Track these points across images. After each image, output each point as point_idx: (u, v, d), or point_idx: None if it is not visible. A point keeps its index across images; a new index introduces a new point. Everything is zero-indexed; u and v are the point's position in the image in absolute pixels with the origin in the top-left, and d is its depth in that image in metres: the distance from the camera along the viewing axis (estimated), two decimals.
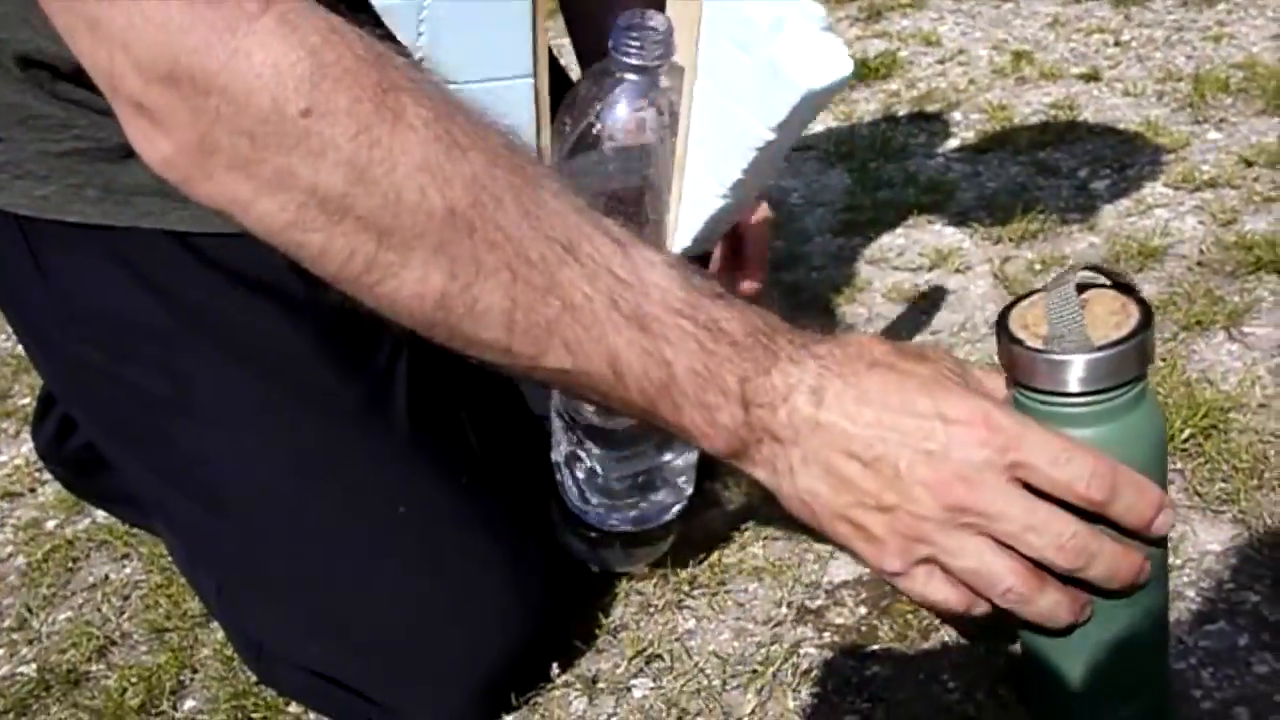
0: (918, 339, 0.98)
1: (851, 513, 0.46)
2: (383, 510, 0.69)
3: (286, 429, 0.68)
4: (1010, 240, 1.10)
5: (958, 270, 1.07)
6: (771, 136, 0.58)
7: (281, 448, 0.68)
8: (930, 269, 1.07)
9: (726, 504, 0.84)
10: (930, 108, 1.44)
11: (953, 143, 1.33)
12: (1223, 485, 0.76)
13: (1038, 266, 1.05)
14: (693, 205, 0.64)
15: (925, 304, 1.03)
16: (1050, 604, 0.45)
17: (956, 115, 1.40)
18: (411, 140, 0.44)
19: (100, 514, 0.99)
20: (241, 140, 0.44)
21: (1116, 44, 1.50)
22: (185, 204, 0.65)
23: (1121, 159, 1.21)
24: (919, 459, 0.44)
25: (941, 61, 1.56)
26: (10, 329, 0.74)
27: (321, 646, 0.71)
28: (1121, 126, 1.27)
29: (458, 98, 0.47)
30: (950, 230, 1.13)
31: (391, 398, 0.69)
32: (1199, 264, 1.01)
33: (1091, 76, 1.42)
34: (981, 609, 0.46)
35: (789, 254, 1.17)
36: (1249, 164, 1.15)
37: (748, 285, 0.71)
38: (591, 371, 0.47)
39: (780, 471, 0.47)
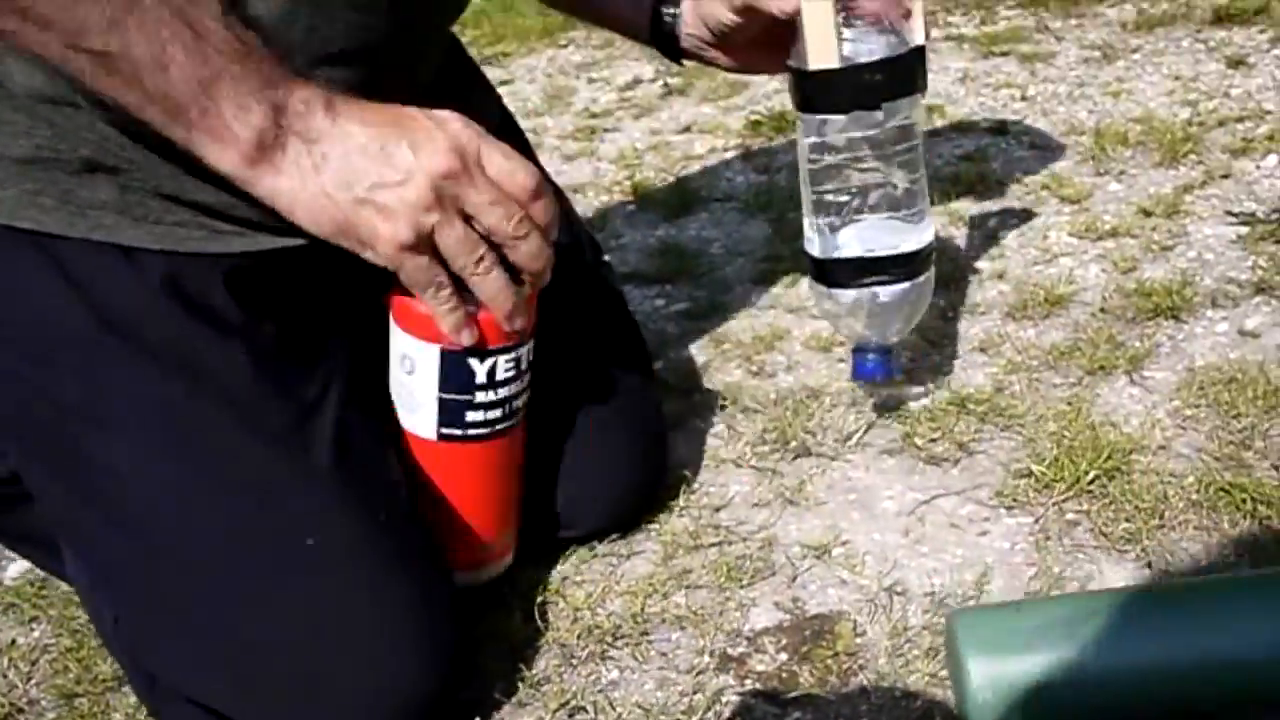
0: (836, 386, 1.00)
1: (372, 194, 0.59)
2: (291, 539, 0.67)
3: (202, 446, 0.67)
4: None
5: None
6: None
7: (193, 464, 0.67)
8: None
9: (650, 553, 0.85)
10: None
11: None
12: (1126, 525, 0.79)
13: (949, 314, 1.08)
14: None
15: (841, 352, 1.05)
16: (499, 282, 0.63)
17: None
18: None
19: (8, 577, 0.97)
20: None
21: (1023, 99, 1.56)
22: (139, 222, 0.66)
23: (1028, 209, 1.26)
24: (419, 140, 0.60)
25: None
26: None
27: (216, 681, 0.69)
28: (1028, 178, 1.32)
29: None
30: None
31: (317, 428, 0.69)
32: (1101, 310, 1.05)
33: (1000, 130, 1.47)
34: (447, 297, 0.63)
35: (710, 303, 1.19)
36: (1147, 214, 1.20)
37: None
38: (136, 58, 0.54)
39: (305, 170, 0.59)
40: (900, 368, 0.90)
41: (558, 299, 0.84)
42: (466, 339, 0.66)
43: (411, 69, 0.76)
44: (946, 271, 1.14)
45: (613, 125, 1.74)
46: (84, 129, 0.64)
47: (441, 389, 0.69)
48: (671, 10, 0.84)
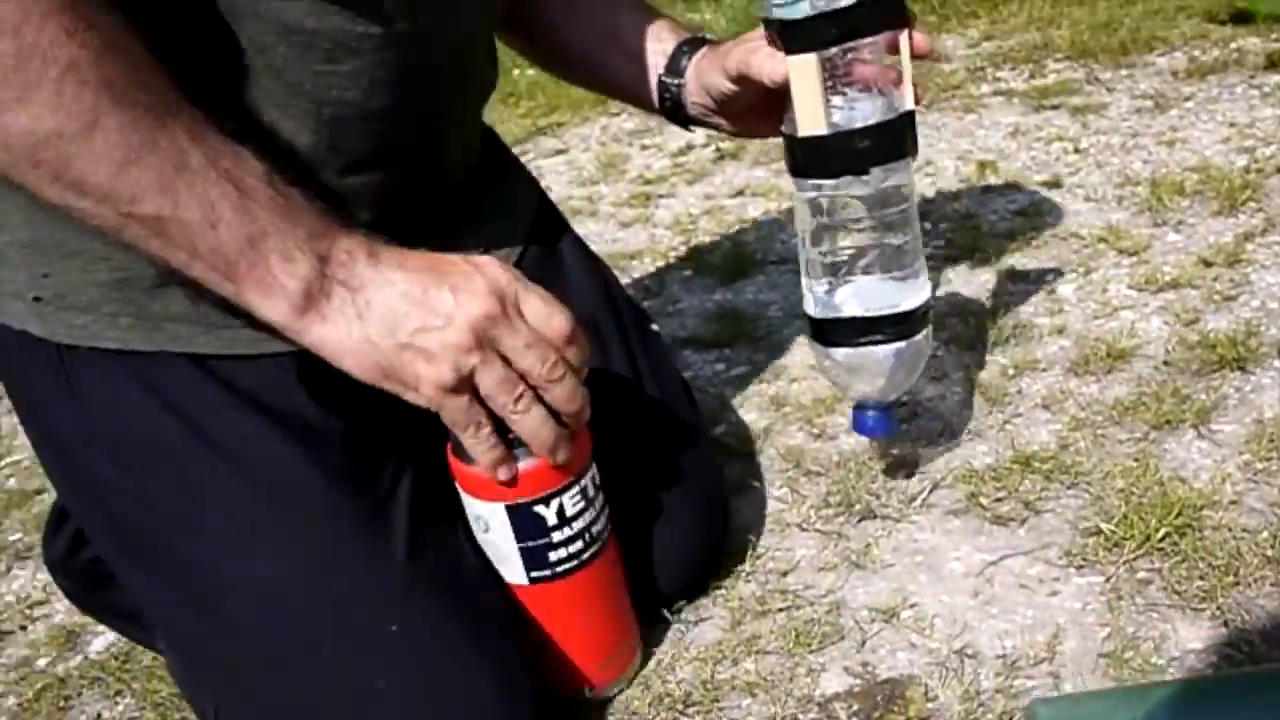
0: (895, 450, 1.00)
1: (414, 339, 0.61)
2: (375, 628, 0.70)
3: (289, 549, 0.70)
4: (984, 346, 1.13)
5: (934, 378, 1.09)
6: None
7: (283, 567, 0.70)
8: None
9: (718, 619, 0.85)
10: None
11: (924, 252, 1.37)
12: (1200, 583, 0.78)
13: (1011, 371, 1.08)
14: None
15: (903, 412, 1.05)
16: (538, 418, 0.65)
17: (926, 225, 1.44)
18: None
19: (93, 651, 0.99)
20: None
21: (1076, 151, 1.56)
22: (210, 330, 0.70)
23: (1086, 263, 1.25)
24: (458, 285, 0.62)
25: None
26: (32, 449, 0.77)
27: None
28: (1084, 231, 1.32)
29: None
30: None
31: (391, 520, 0.72)
32: (1165, 364, 1.04)
33: (1053, 183, 1.47)
34: (488, 436, 0.65)
35: (769, 366, 1.20)
36: (1208, 264, 1.19)
37: (920, 41, 0.77)
38: (187, 220, 0.57)
39: (349, 318, 0.61)
40: (897, 425, 0.90)
41: (607, 373, 0.86)
42: (503, 475, 0.68)
43: (441, 163, 0.79)
44: (1006, 328, 1.14)
45: (667, 191, 1.77)
46: None
47: (519, 540, 0.71)
48: (676, 81, 0.87)
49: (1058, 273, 1.25)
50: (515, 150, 0.98)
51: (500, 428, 0.66)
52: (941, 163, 1.63)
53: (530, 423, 0.66)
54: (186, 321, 0.70)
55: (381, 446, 0.74)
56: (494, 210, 0.87)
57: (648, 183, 1.82)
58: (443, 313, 0.61)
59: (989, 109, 1.79)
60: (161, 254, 0.59)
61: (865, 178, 0.77)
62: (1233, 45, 1.81)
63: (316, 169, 0.68)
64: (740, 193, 1.69)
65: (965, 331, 1.17)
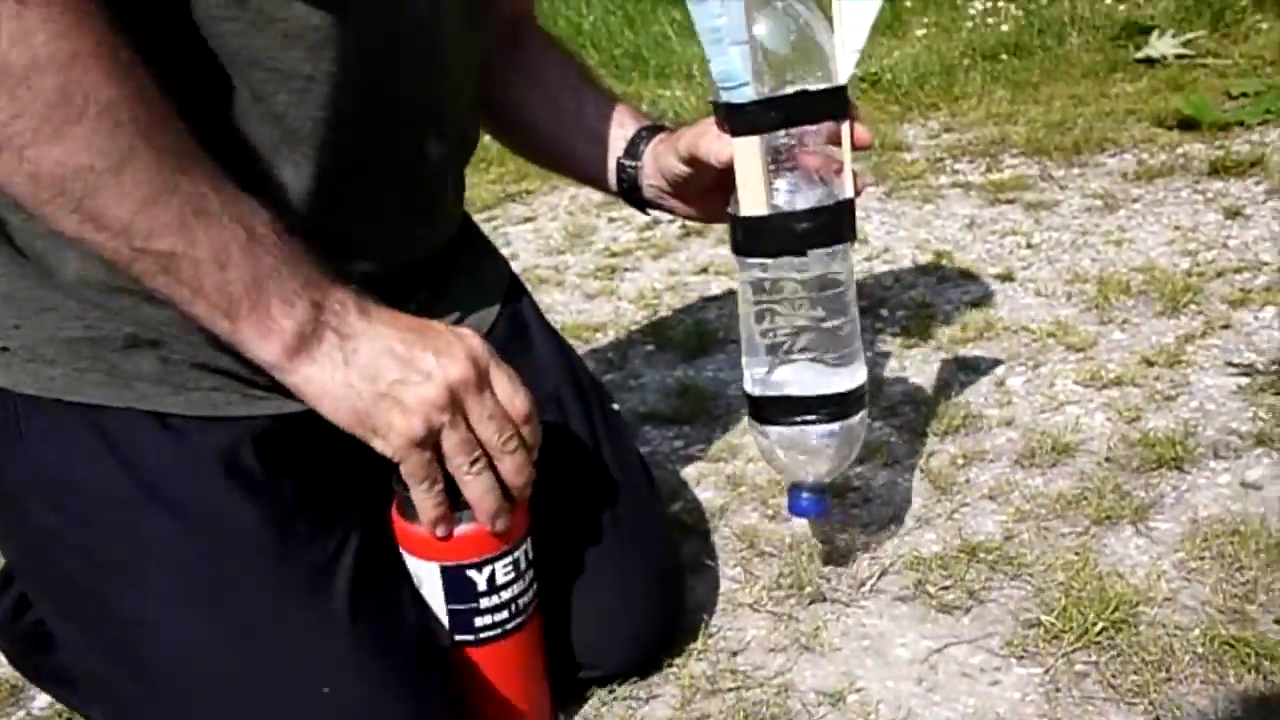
0: (850, 532, 1.03)
1: (393, 390, 0.65)
2: (308, 690, 0.71)
3: (225, 602, 0.71)
4: (935, 435, 1.17)
5: (885, 465, 1.13)
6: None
7: (220, 626, 0.71)
8: (859, 463, 1.13)
9: (668, 697, 0.87)
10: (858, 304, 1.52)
11: (879, 339, 1.41)
12: (1134, 678, 0.81)
13: (960, 461, 1.11)
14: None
15: (854, 496, 1.08)
16: (487, 483, 0.69)
17: (883, 311, 1.49)
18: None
19: (35, 707, 0.98)
20: None
21: (1028, 246, 1.62)
22: (178, 390, 0.71)
23: (1035, 356, 1.30)
24: (441, 347, 0.66)
25: (868, 259, 1.66)
26: None
27: None
28: (1034, 325, 1.37)
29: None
30: (878, 425, 1.20)
31: (334, 581, 0.73)
32: (1107, 459, 1.08)
33: (1006, 276, 1.53)
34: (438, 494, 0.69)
35: (727, 445, 1.22)
36: (1150, 363, 1.24)
37: (861, 134, 0.80)
38: (198, 259, 0.60)
39: (336, 362, 0.64)
40: (831, 508, 0.91)
41: (568, 449, 0.88)
42: (441, 531, 0.71)
43: (430, 218, 0.83)
44: (956, 417, 1.18)
45: (632, 265, 1.80)
46: (129, 310, 0.70)
47: (449, 602, 0.74)
48: (634, 163, 0.90)
49: (1008, 365, 1.29)
50: (484, 216, 1.01)
51: (449, 493, 0.69)
52: (900, 250, 1.68)
53: (479, 486, 0.69)
54: (155, 381, 0.71)
55: (331, 510, 0.75)
56: (467, 283, 0.89)
57: (613, 255, 1.85)
58: (424, 370, 0.65)
59: (946, 200, 1.85)
60: (165, 289, 0.62)
61: (804, 259, 0.80)
62: (1179, 150, 1.89)
63: (307, 220, 0.70)
64: (704, 270, 1.73)
65: (917, 419, 1.20)
